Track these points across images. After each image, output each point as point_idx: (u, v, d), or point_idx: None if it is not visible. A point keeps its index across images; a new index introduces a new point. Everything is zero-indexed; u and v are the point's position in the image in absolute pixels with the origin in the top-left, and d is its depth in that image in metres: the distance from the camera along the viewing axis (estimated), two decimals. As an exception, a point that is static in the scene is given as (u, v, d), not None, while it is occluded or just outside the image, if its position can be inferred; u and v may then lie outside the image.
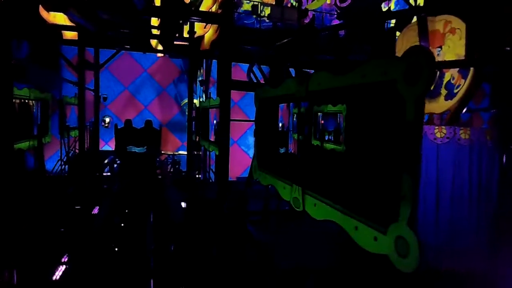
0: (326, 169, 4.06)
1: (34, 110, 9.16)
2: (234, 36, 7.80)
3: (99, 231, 8.04)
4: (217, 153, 9.04)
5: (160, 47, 13.90)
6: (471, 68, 5.73)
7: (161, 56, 15.71)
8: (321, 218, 3.81)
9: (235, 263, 7.07)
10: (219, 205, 7.38)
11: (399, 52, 8.29)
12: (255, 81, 8.79)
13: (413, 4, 9.86)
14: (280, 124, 9.31)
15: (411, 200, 2.61)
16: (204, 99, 13.45)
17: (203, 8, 9.52)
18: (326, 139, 5.55)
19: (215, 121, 10.36)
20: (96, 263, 6.70)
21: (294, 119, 7.94)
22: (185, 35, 11.96)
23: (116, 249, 7.48)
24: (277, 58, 9.03)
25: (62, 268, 6.29)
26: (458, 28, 7.36)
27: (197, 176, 13.65)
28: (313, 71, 5.71)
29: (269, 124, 5.54)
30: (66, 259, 6.74)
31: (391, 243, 2.78)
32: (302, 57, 9.55)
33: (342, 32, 14.18)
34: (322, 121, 6.31)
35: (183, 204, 10.21)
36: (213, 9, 12.55)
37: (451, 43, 6.48)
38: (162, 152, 14.61)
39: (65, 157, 11.60)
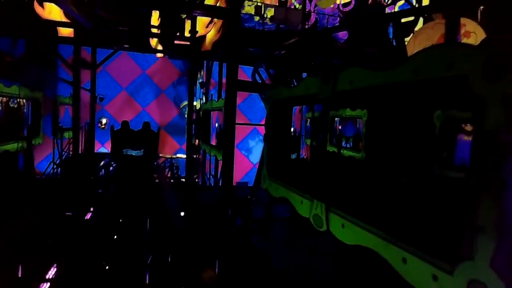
0: (357, 181, 3.35)
1: (25, 110, 8.40)
2: (240, 33, 7.12)
3: (91, 241, 7.27)
4: (219, 158, 8.32)
5: (160, 47, 13.20)
6: None
7: (161, 57, 14.99)
8: (352, 243, 3.11)
9: (238, 276, 6.36)
10: (222, 212, 6.66)
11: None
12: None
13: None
14: (292, 129, 8.62)
15: (495, 232, 1.92)
16: (204, 102, 12.74)
17: (208, 1, 8.80)
18: (348, 146, 4.84)
19: (216, 124, 9.67)
20: (85, 279, 5.95)
21: (308, 124, 7.24)
22: (186, 34, 11.28)
23: (109, 262, 6.73)
24: (286, 59, 8.36)
25: (45, 286, 5.52)
26: (473, 32, 6.76)
27: (196, 180, 12.92)
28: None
29: (282, 128, 4.84)
30: (51, 275, 5.97)
31: (460, 287, 2.09)
32: (314, 59, 8.91)
33: (344, 37, 13.60)
34: (340, 127, 5.62)
35: (182, 211, 9.47)
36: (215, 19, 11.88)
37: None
38: (160, 155, 13.86)
39: (58, 160, 10.82)
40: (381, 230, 2.79)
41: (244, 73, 12.44)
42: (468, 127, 3.83)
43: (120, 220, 8.45)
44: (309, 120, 7.18)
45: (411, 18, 13.23)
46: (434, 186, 2.47)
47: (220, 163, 9.62)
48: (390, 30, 14.19)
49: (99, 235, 7.60)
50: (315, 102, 3.99)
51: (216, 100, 8.86)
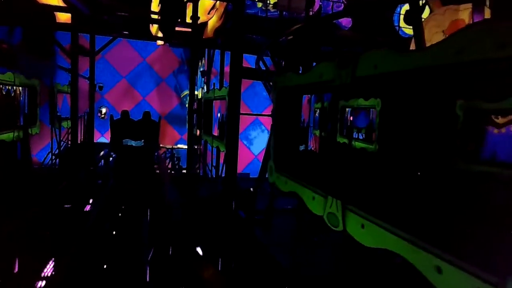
0: (377, 176, 3.01)
1: (21, 98, 8.02)
2: (245, 17, 6.70)
3: (90, 235, 6.98)
4: (221, 149, 7.97)
5: (160, 34, 12.74)
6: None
7: (161, 45, 14.53)
8: (373, 245, 2.79)
9: (242, 271, 6.08)
10: (225, 205, 6.35)
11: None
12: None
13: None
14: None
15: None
16: (206, 91, 12.35)
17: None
18: (360, 137, 4.49)
19: (219, 114, 9.30)
20: (84, 274, 5.67)
21: (317, 114, 6.87)
22: (188, 20, 10.83)
23: (108, 257, 6.45)
24: (293, 46, 7.95)
25: (41, 284, 5.23)
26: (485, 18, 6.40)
27: (197, 171, 12.60)
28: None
29: (290, 118, 4.48)
30: (49, 271, 5.69)
31: (513, 305, 1.77)
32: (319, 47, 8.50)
33: (348, 25, 13.16)
34: (351, 117, 5.27)
35: (183, 203, 9.16)
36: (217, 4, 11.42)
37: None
38: (161, 146, 13.51)
39: (57, 150, 10.48)
40: (408, 233, 2.47)
41: (246, 62, 12.03)
42: (501, 119, 3.49)
43: (120, 214, 8.15)
44: (318, 110, 6.81)
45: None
46: (471, 184, 2.14)
47: (222, 154, 9.29)
48: (396, 17, 13.70)
49: (98, 229, 7.31)
50: (329, 90, 3.62)
51: (219, 89, 8.47)
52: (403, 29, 12.96)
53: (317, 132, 6.49)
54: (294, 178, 4.11)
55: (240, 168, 14.41)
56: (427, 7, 11.34)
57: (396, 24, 13.02)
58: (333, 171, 3.52)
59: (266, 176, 5.81)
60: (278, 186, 4.49)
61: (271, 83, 6.59)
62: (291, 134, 4.44)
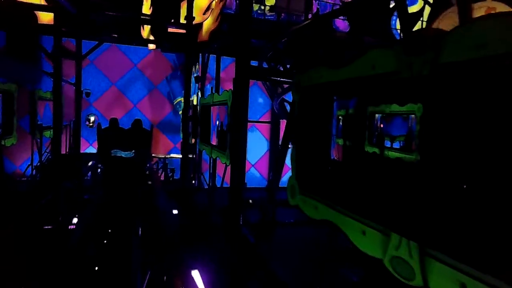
0: (478, 206, 1.99)
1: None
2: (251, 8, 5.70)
3: (72, 264, 5.80)
4: (222, 161, 6.90)
5: (152, 38, 11.67)
6: None
7: (153, 49, 13.44)
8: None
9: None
10: (232, 220, 5.29)
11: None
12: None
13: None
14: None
15: None
16: (200, 97, 11.29)
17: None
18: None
19: (217, 122, 8.26)
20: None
21: (340, 123, 5.84)
22: (182, 21, 9.80)
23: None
24: (295, 46, 7.00)
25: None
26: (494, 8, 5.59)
27: (193, 182, 11.50)
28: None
29: (319, 125, 3.45)
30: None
31: None
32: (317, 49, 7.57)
33: (345, 29, 12.37)
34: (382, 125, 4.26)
35: (180, 219, 8.05)
36: (213, 5, 10.45)
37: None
38: (153, 155, 12.36)
39: (38, 162, 9.26)
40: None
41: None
42: None
43: (109, 232, 6.98)
44: (341, 119, 5.80)
45: (417, 7, 11.99)
46: None
47: (218, 163, 8.22)
48: (394, 20, 12.85)
49: (82, 254, 6.13)
50: (388, 86, 2.60)
51: (219, 93, 7.42)
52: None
53: (341, 141, 5.46)
54: (331, 204, 3.07)
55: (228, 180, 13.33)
56: (427, 7, 10.56)
57: (393, 27, 12.21)
58: (393, 192, 2.49)
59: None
60: (305, 212, 3.44)
61: (275, 88, 5.65)
62: (321, 146, 3.40)
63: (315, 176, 3.39)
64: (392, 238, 2.35)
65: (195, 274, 6.23)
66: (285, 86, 9.20)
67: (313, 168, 3.44)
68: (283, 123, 13.33)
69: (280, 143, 12.63)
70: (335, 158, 3.30)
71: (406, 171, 2.52)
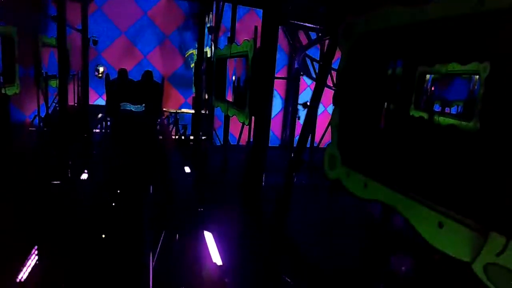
0: None
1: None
2: None
3: (80, 225, 5.38)
4: (240, 120, 6.22)
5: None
6: None
7: (164, -5, 12.33)
8: None
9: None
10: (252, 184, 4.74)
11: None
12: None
13: None
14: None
15: None
16: (214, 49, 10.39)
17: None
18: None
19: (233, 77, 7.48)
20: (73, 268, 4.14)
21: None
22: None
23: (103, 248, 4.90)
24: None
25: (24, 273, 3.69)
26: None
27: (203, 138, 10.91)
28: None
29: (375, 83, 2.72)
30: (32, 259, 4.14)
31: None
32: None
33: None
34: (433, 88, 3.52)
35: (194, 177, 7.56)
36: None
37: None
38: (164, 109, 11.70)
39: (45, 113, 8.69)
40: None
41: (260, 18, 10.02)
42: None
43: (115, 199, 6.50)
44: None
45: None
46: None
47: (233, 120, 7.54)
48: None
49: (91, 215, 5.70)
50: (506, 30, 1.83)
51: (238, 44, 6.56)
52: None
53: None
54: (387, 181, 2.42)
55: (243, 140, 12.83)
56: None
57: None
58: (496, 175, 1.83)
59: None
60: (349, 188, 2.81)
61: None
62: (374, 111, 2.70)
63: (365, 146, 2.72)
64: (491, 238, 1.72)
65: (208, 235, 5.81)
66: (310, 40, 8.21)
67: (362, 136, 2.76)
68: (302, 81, 12.44)
69: (299, 102, 11.82)
70: (395, 126, 2.61)
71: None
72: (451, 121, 3.35)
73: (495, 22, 1.85)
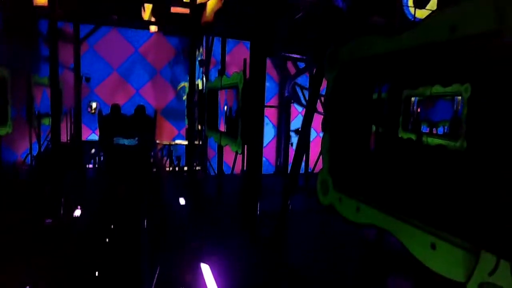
0: None
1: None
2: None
3: (75, 262, 5.23)
4: (233, 149, 6.25)
5: (153, 19, 10.90)
6: None
7: (155, 32, 12.64)
8: None
9: None
10: (248, 209, 4.69)
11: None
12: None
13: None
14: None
15: None
16: (206, 81, 10.58)
17: None
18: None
19: (225, 107, 7.58)
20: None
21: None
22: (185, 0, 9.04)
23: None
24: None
25: None
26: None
27: (197, 168, 10.88)
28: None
29: (361, 109, 2.79)
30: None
31: None
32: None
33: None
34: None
35: (189, 208, 7.47)
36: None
37: None
38: (158, 142, 11.72)
39: (37, 151, 8.64)
40: None
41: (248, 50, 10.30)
42: None
43: (109, 235, 6.38)
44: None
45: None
46: None
47: (226, 149, 7.57)
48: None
49: (86, 252, 5.55)
50: (477, 54, 1.91)
51: (228, 76, 6.71)
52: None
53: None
54: (379, 205, 2.43)
55: (238, 169, 12.82)
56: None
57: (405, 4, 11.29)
58: (485, 195, 1.84)
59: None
60: (342, 213, 2.81)
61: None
62: (363, 135, 2.75)
63: (356, 170, 2.74)
64: (482, 258, 1.71)
65: (205, 268, 5.67)
66: (298, 69, 8.43)
67: (352, 160, 2.79)
68: (292, 108, 12.64)
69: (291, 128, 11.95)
70: (383, 149, 2.65)
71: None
72: (439, 141, 3.41)
73: (470, 47, 1.94)
